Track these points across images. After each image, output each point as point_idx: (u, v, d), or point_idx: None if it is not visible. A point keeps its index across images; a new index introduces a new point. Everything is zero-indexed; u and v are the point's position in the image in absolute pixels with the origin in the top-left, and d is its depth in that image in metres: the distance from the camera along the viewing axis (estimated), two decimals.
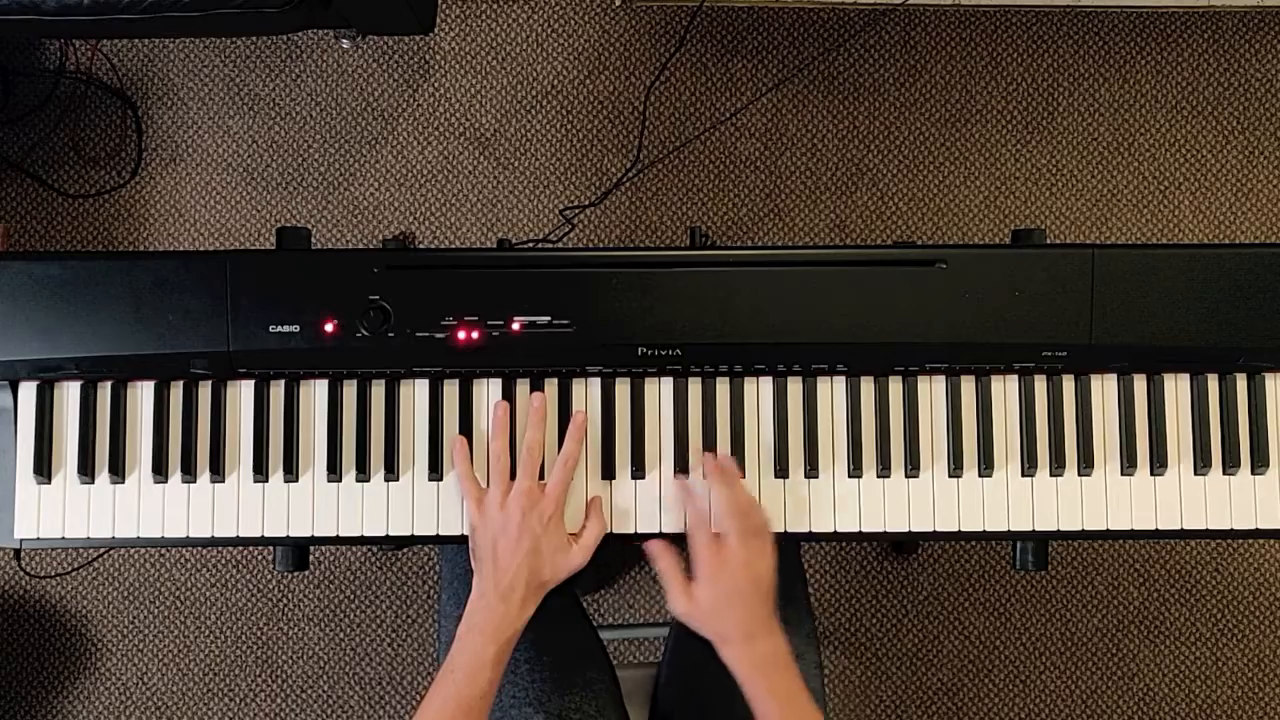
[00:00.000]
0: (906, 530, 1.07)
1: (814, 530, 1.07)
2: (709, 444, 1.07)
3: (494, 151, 1.92)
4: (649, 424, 1.07)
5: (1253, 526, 1.08)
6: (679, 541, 1.05)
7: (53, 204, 1.91)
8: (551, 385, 1.07)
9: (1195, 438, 1.08)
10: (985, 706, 1.88)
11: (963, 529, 1.07)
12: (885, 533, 1.07)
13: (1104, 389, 1.08)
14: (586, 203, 1.89)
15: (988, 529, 1.07)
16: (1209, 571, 1.89)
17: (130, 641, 1.86)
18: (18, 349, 1.02)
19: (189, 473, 1.05)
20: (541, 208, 1.91)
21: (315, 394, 1.07)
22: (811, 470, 1.07)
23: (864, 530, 1.07)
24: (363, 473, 1.06)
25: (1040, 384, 1.08)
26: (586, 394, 1.07)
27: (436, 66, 1.93)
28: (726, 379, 1.07)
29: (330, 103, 1.92)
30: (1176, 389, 1.08)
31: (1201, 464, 1.07)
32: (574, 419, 1.05)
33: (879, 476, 1.07)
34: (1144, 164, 1.94)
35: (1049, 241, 1.11)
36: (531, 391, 1.06)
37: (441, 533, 1.06)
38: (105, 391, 1.06)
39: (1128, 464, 1.07)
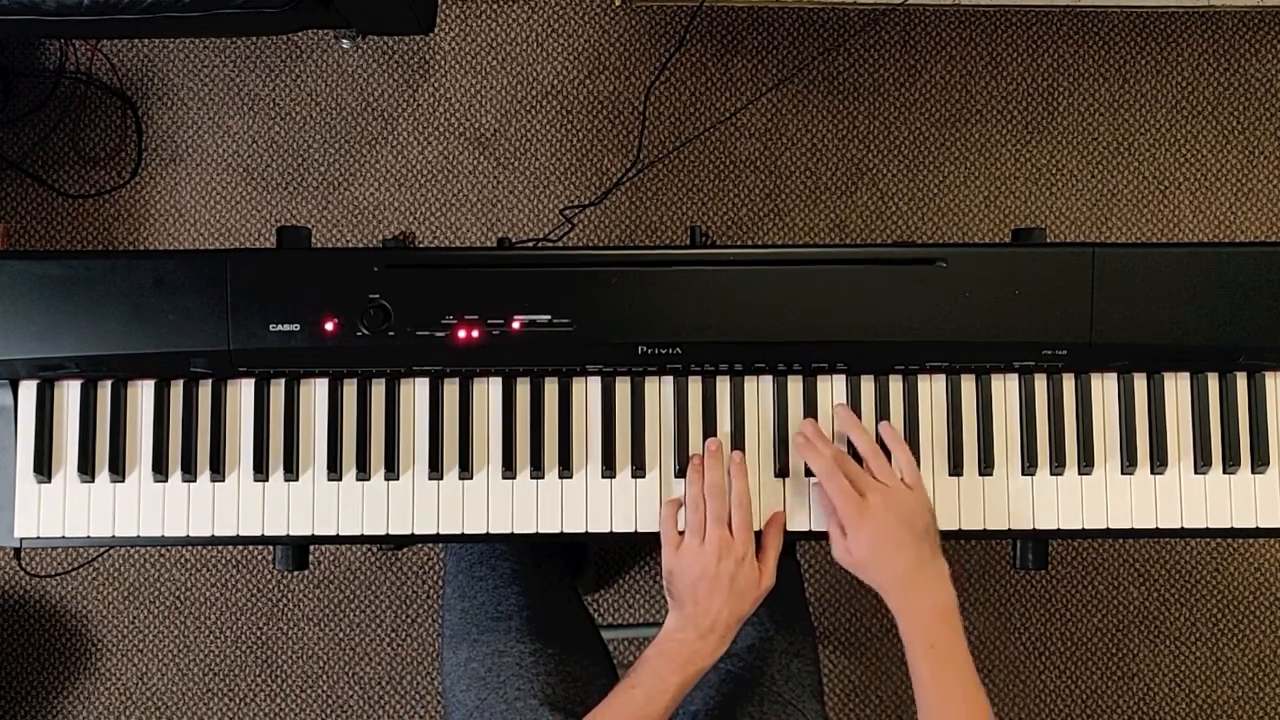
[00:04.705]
0: None
1: (814, 530, 1.07)
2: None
3: (494, 151, 1.92)
4: (649, 423, 1.07)
5: (1253, 525, 1.08)
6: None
7: (53, 204, 1.91)
8: (552, 384, 1.07)
9: (1195, 436, 1.08)
10: None
11: (963, 528, 1.07)
12: None
13: (1104, 388, 1.08)
14: (586, 202, 1.89)
15: (988, 528, 1.07)
16: (1209, 571, 1.89)
17: (130, 641, 1.86)
18: (18, 348, 1.02)
19: (189, 472, 1.05)
20: (541, 208, 1.91)
21: (315, 393, 1.07)
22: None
23: None
24: (363, 472, 1.06)
25: (1040, 383, 1.08)
26: (586, 393, 1.07)
27: (436, 66, 1.93)
28: (727, 378, 1.07)
29: (330, 103, 1.92)
30: (1176, 388, 1.08)
31: (1202, 463, 1.07)
32: (732, 459, 1.04)
33: None
34: (1144, 164, 1.94)
35: (1049, 241, 1.11)
36: (532, 386, 1.06)
37: (441, 532, 1.06)
38: (105, 390, 1.06)
39: (1128, 463, 1.07)
